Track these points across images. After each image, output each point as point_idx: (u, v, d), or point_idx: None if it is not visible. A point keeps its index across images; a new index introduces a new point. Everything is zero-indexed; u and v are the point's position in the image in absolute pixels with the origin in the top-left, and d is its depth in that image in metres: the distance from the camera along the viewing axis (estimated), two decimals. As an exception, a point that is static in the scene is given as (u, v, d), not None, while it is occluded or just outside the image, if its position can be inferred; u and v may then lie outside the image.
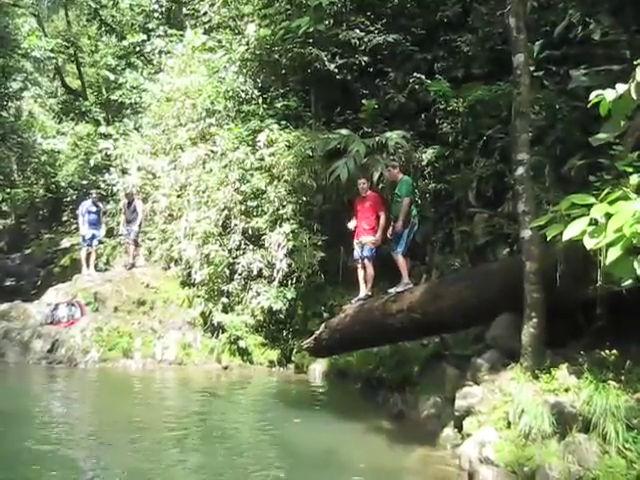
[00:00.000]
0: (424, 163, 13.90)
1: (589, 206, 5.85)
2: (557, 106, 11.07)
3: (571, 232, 5.80)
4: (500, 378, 7.98)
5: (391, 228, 10.95)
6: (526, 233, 7.93)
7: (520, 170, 8.19)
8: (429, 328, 9.89)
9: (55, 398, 11.73)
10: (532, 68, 10.10)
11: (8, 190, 25.89)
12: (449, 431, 8.40)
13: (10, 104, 24.76)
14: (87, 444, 8.59)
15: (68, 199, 27.45)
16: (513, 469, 6.63)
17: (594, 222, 5.72)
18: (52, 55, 26.92)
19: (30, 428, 8.97)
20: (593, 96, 5.75)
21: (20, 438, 8.41)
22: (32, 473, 7.22)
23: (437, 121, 13.92)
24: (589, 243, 5.67)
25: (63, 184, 27.65)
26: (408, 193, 10.98)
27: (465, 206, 13.05)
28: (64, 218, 27.76)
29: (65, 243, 24.42)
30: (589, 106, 5.93)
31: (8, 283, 22.41)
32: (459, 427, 8.19)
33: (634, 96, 5.57)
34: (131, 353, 14.47)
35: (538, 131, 11.08)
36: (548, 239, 6.37)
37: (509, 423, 7.15)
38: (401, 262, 10.90)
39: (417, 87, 14.36)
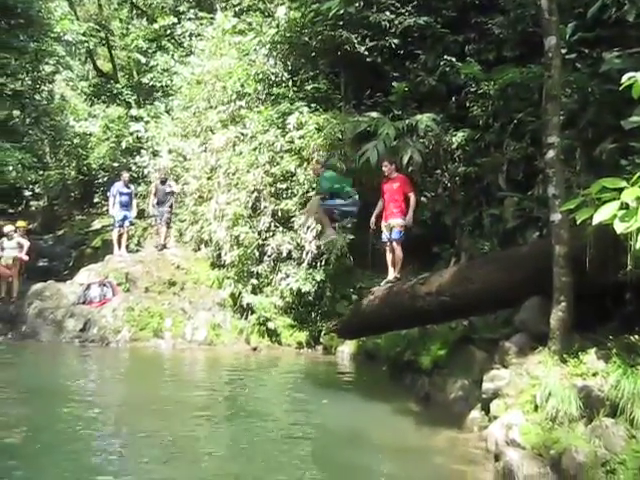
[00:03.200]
0: (454, 146, 13.85)
1: (620, 190, 5.82)
2: (589, 89, 10.96)
3: (601, 216, 5.77)
4: (528, 361, 7.96)
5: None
6: (556, 217, 7.88)
7: (551, 153, 8.13)
8: (457, 311, 9.87)
9: (87, 376, 11.91)
10: (564, 50, 10.01)
11: (41, 172, 26.17)
12: (476, 413, 8.42)
13: (43, 87, 25.01)
14: (115, 420, 8.76)
15: (99, 181, 27.73)
16: (539, 452, 6.62)
17: (625, 206, 5.69)
18: (84, 39, 27.11)
19: (62, 404, 9.14)
20: (625, 79, 5.71)
21: (53, 414, 8.62)
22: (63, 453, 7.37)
23: (468, 104, 13.84)
24: (619, 227, 5.64)
25: (94, 166, 27.92)
26: (325, 189, 11.03)
27: (495, 189, 13.01)
28: (95, 200, 28.07)
29: (96, 225, 24.72)
30: (621, 89, 5.89)
31: (41, 264, 22.66)
32: (486, 410, 8.19)
33: (666, 79, 5.53)
34: (161, 333, 14.68)
35: (569, 114, 10.99)
36: (578, 223, 6.34)
37: (536, 406, 7.13)
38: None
39: (448, 70, 14.30)
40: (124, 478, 6.55)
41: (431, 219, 13.78)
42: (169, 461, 7.07)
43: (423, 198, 13.69)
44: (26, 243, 17.30)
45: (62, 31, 24.39)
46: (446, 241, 13.29)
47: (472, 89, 13.61)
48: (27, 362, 12.81)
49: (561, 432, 6.57)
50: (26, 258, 17.23)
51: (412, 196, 11.56)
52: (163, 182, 17.63)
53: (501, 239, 12.28)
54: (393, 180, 11.80)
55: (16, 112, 23.77)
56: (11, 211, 30.80)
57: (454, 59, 14.15)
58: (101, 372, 12.41)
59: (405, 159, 13.17)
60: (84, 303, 15.45)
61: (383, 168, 12.00)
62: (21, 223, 18.37)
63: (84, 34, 26.94)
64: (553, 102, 8.18)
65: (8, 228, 17.39)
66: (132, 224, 18.32)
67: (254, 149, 15.92)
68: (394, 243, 11.59)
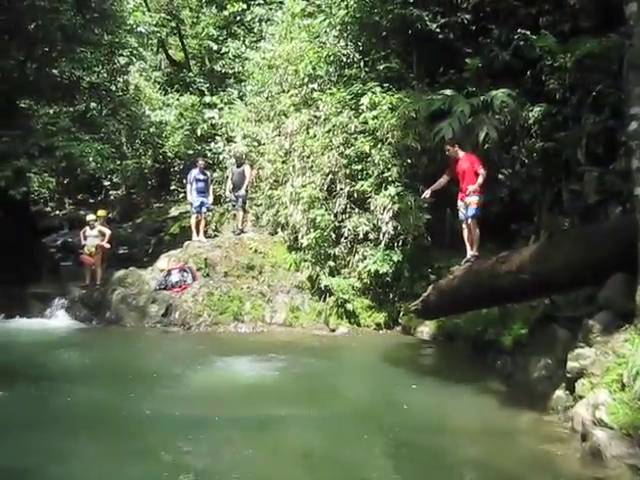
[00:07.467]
0: (531, 122, 13.59)
1: None
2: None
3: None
4: (613, 340, 7.80)
5: None
6: (640, 190, 7.70)
7: (634, 125, 7.91)
8: (538, 289, 9.75)
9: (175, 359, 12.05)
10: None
11: (119, 162, 26.65)
12: (560, 393, 8.31)
13: (118, 79, 25.45)
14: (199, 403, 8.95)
15: (175, 169, 28.21)
16: (628, 432, 6.51)
17: None
18: (156, 29, 27.44)
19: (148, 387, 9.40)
20: None
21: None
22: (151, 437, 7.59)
23: (543, 78, 13.53)
24: None
25: (170, 154, 28.35)
26: None
27: (574, 164, 12.73)
28: (172, 187, 28.58)
29: (174, 212, 25.10)
30: None
31: (121, 251, 23.21)
32: (571, 389, 8.08)
33: None
34: (241, 316, 14.89)
35: (652, 84, 10.65)
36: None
37: (623, 385, 7.01)
38: None
39: (522, 43, 13.97)
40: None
41: (509, 196, 13.59)
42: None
43: (500, 175, 13.53)
44: (107, 231, 17.72)
45: (135, 23, 24.67)
46: (525, 219, 13.09)
47: (548, 62, 13.30)
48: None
49: (651, 411, 6.46)
50: (108, 246, 17.67)
51: (482, 171, 11.56)
52: (239, 166, 17.79)
53: (582, 215, 12.05)
54: (463, 160, 11.88)
55: (93, 104, 24.17)
56: (91, 201, 31.67)
57: (528, 32, 13.81)
58: (187, 356, 12.54)
59: (481, 136, 13.01)
60: (165, 289, 15.75)
61: (446, 153, 12.18)
62: (101, 212, 18.82)
63: (156, 25, 27.27)
64: (635, 71, 7.95)
65: (90, 217, 17.87)
66: (209, 210, 18.55)
67: (328, 131, 15.94)
68: (470, 220, 11.57)
